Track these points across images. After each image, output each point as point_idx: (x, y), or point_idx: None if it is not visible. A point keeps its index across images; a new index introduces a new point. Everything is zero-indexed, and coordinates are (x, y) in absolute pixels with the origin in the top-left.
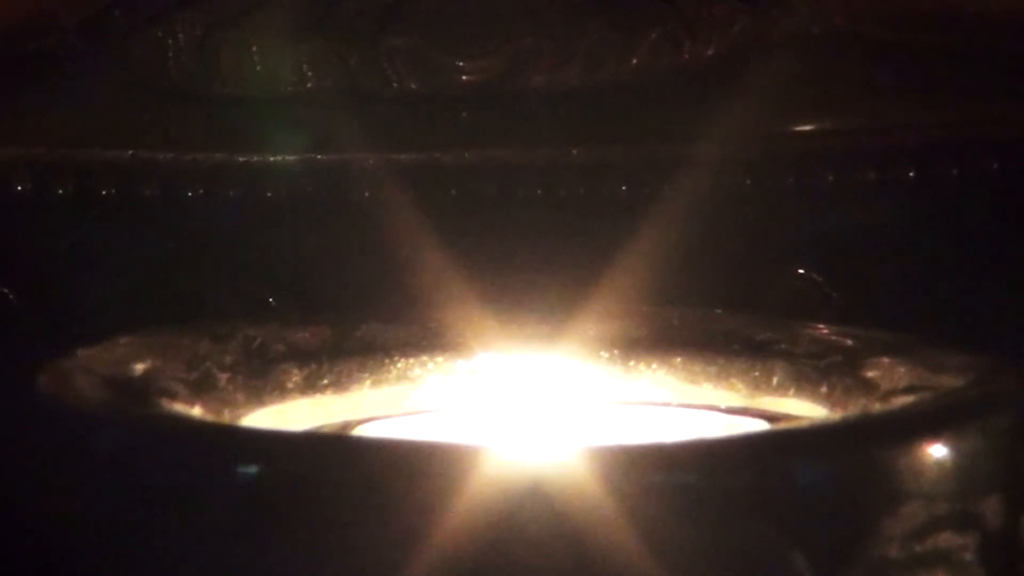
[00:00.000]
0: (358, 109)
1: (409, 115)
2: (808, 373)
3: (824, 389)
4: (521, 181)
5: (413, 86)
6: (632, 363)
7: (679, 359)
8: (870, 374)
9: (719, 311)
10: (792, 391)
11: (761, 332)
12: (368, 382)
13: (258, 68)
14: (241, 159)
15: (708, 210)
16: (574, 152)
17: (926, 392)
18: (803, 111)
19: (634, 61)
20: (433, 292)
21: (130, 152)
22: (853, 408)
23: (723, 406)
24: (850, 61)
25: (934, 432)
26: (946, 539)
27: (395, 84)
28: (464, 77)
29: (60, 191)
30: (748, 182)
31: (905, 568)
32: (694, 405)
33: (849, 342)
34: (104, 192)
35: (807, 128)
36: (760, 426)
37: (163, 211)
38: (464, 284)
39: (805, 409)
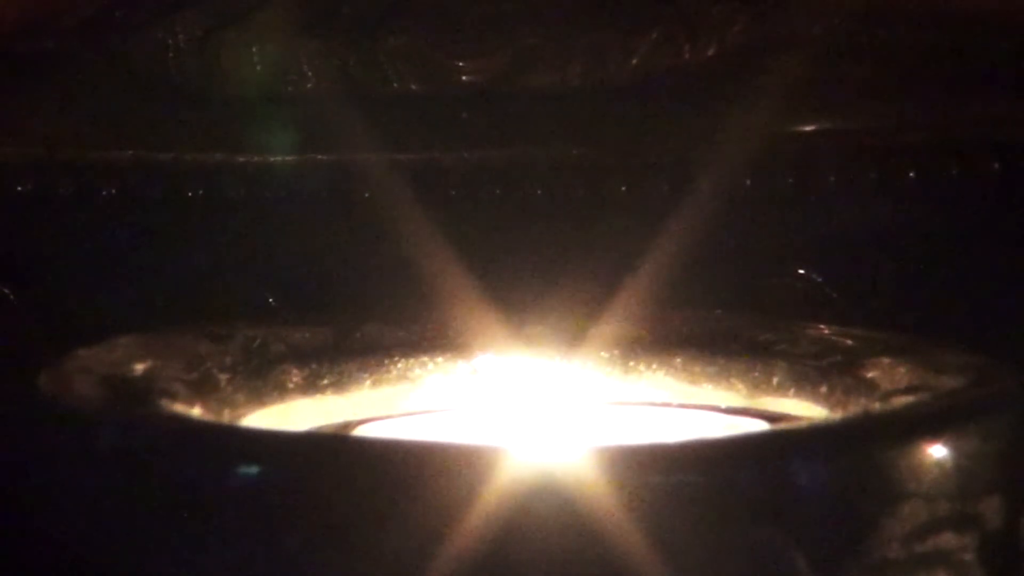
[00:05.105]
0: (358, 109)
1: (409, 115)
2: (808, 373)
3: (824, 389)
4: (521, 181)
5: (413, 86)
6: (632, 363)
7: (679, 359)
8: (870, 374)
9: (719, 311)
10: (792, 391)
11: (761, 332)
12: (368, 382)
13: (258, 68)
14: (241, 159)
15: (708, 210)
16: (574, 152)
17: (926, 392)
18: (803, 111)
19: (634, 61)
20: (433, 292)
21: (130, 152)
22: (853, 408)
23: (723, 406)
24: (850, 61)
25: (934, 432)
26: (946, 539)
27: (395, 84)
28: (464, 77)
29: (60, 191)
30: (748, 182)
31: (905, 568)
32: (694, 405)
33: (849, 342)
34: (104, 192)
35: (807, 128)
36: (760, 426)
37: (163, 211)
38: (464, 285)
39: (805, 409)
